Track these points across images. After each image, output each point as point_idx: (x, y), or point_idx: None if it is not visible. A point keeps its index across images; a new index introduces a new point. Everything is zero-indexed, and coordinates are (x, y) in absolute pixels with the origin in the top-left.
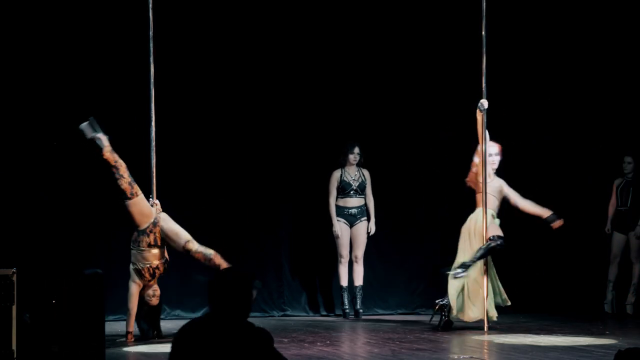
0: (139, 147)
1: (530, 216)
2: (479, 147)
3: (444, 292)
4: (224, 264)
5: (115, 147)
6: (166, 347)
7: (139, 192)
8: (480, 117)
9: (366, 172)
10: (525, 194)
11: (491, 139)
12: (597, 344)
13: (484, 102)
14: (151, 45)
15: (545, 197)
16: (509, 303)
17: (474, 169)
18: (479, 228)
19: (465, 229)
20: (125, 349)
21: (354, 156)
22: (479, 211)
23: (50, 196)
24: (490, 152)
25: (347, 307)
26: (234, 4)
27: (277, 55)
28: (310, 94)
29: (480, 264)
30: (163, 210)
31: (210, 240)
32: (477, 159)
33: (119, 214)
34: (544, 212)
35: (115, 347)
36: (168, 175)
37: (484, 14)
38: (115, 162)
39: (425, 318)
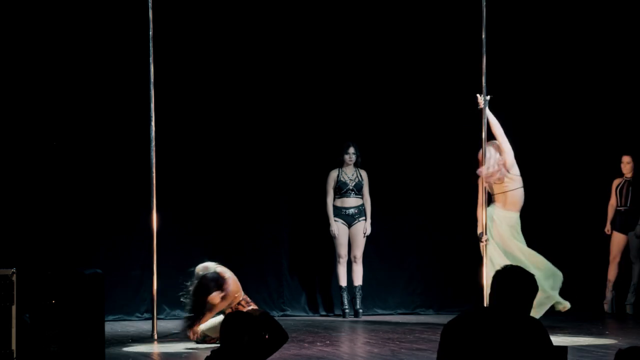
0: (139, 147)
1: (529, 216)
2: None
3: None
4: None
5: (116, 147)
6: (165, 347)
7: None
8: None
9: (364, 173)
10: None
11: (491, 137)
12: (597, 344)
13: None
14: (151, 45)
15: (545, 197)
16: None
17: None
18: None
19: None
20: (125, 348)
21: (349, 156)
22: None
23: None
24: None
25: (346, 307)
26: (234, 4)
27: (277, 55)
28: (309, 94)
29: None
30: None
31: (211, 240)
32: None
33: (120, 214)
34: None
35: (115, 347)
36: (168, 175)
37: (484, 14)
38: None
39: (425, 318)
